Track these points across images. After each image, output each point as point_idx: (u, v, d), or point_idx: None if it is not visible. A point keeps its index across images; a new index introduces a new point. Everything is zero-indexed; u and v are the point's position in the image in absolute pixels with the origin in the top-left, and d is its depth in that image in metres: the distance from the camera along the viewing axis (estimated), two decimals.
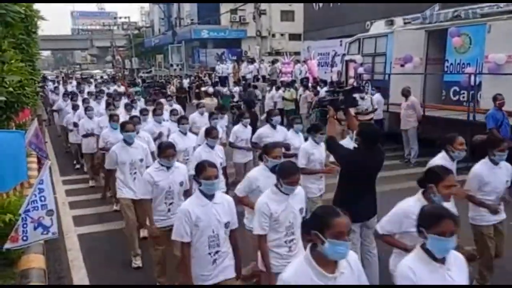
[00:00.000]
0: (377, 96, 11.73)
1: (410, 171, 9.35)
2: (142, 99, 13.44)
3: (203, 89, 21.70)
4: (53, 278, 5.04)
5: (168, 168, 4.66)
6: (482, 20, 10.70)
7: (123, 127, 5.84)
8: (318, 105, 12.85)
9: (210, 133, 5.99)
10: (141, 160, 5.82)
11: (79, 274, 5.45)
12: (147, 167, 5.50)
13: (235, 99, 17.48)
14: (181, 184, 4.73)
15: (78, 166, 10.89)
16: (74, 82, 22.90)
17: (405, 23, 13.30)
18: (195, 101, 12.58)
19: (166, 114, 8.88)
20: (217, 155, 5.89)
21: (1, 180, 4.78)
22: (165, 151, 4.62)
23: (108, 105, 9.77)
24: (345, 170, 4.55)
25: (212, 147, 5.96)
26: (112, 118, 7.46)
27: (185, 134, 6.96)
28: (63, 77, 34.66)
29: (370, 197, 4.56)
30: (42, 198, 4.22)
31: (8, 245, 4.25)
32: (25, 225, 4.19)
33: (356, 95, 10.33)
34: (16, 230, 4.23)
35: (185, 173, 4.86)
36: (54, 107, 13.47)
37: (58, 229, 4.50)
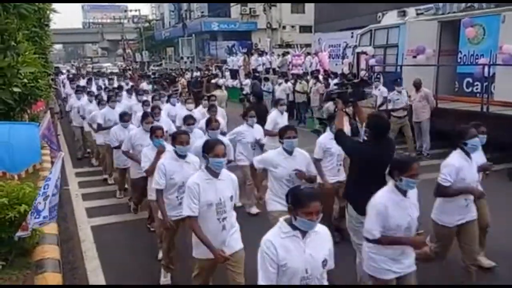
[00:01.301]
0: (382, 88, 11.59)
1: (423, 164, 9.25)
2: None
3: (213, 81, 21.67)
4: (66, 269, 5.10)
5: (304, 234, 2.85)
6: (496, 10, 10.54)
7: (211, 149, 3.79)
8: (327, 98, 12.64)
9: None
10: (231, 197, 3.89)
11: (92, 264, 5.50)
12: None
13: (244, 92, 17.45)
14: (324, 264, 2.90)
15: (110, 181, 8.96)
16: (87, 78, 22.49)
17: (417, 14, 13.11)
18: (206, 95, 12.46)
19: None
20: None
21: (12, 164, 4.94)
22: (307, 205, 2.73)
23: (145, 116, 6.56)
24: (354, 163, 4.51)
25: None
26: (155, 132, 5.42)
27: (290, 154, 4.75)
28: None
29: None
30: (46, 187, 4.34)
31: (18, 233, 4.40)
32: (32, 213, 4.34)
33: (394, 90, 10.16)
34: (26, 219, 4.37)
35: (330, 242, 3.01)
36: (67, 108, 12.46)
37: (56, 214, 4.69)
